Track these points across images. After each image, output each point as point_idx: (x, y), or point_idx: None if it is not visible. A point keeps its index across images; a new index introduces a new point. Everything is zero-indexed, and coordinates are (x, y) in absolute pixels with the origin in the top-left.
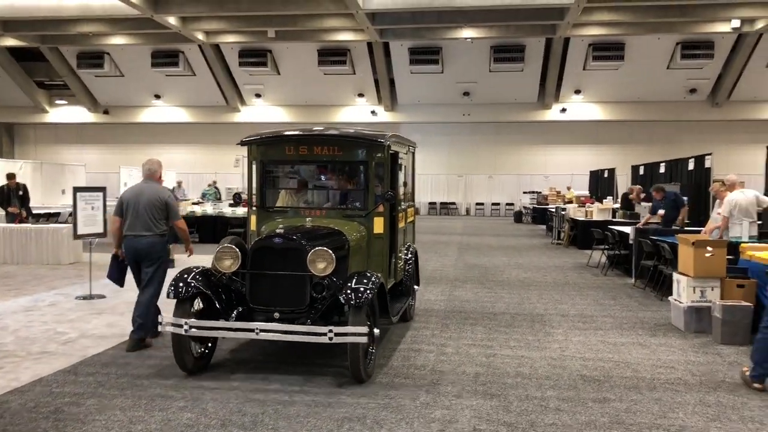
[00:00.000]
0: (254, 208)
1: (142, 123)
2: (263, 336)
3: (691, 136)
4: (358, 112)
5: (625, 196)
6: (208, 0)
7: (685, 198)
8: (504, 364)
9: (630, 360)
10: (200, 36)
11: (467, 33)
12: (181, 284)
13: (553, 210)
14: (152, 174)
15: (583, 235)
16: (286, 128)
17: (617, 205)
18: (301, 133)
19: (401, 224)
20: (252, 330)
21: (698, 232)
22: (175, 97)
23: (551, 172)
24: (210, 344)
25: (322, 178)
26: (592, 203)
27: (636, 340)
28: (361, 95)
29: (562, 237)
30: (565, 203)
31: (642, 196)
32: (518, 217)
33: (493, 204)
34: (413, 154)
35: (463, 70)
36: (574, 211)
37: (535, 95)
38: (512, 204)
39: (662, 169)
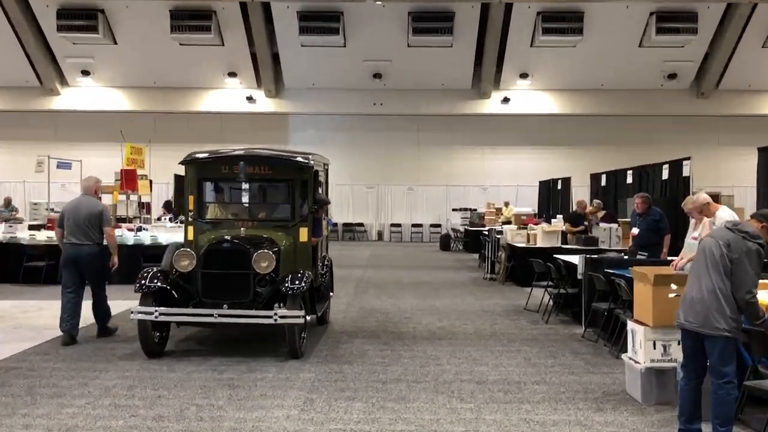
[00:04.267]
0: (191, 220)
1: None
2: (221, 320)
3: (670, 135)
4: (229, 97)
5: (574, 214)
6: None
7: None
8: None
9: None
10: None
11: None
12: (146, 281)
13: (487, 233)
14: (88, 189)
15: (524, 267)
16: (220, 147)
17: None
18: (236, 153)
19: (321, 234)
20: (212, 315)
21: (668, 263)
22: None
23: (491, 182)
24: (164, 332)
25: (251, 193)
26: (537, 224)
27: (574, 418)
28: (232, 74)
29: (497, 270)
30: (503, 224)
31: (600, 214)
32: (445, 242)
33: (413, 226)
34: (327, 171)
35: (373, 44)
36: (512, 235)
37: (469, 80)
38: (438, 225)
39: (629, 179)
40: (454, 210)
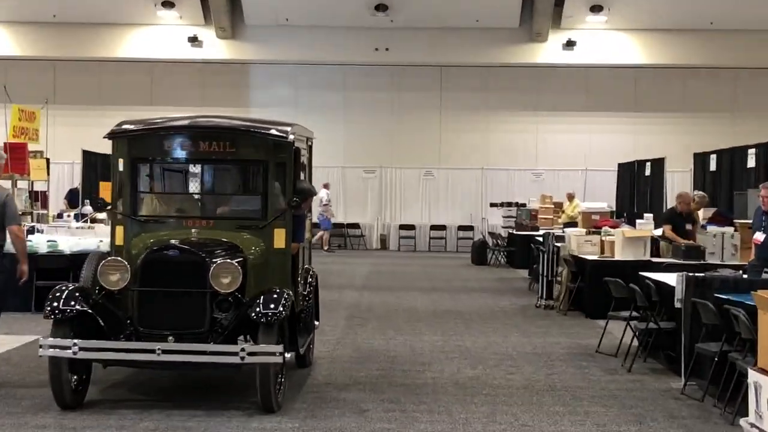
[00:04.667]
0: (120, 218)
1: None
2: (165, 358)
3: None
4: (163, 38)
5: (672, 213)
6: None
7: None
8: None
9: None
10: None
11: None
12: (60, 302)
13: (542, 240)
14: None
15: (595, 289)
16: (157, 114)
17: (660, 231)
18: (184, 123)
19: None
20: (153, 350)
21: None
22: None
23: (548, 165)
24: (84, 375)
25: (209, 180)
26: (614, 226)
27: None
28: (168, 5)
29: (556, 294)
30: (565, 226)
31: (706, 213)
32: (480, 252)
33: (433, 228)
34: (311, 148)
35: None
36: (579, 243)
37: (517, 15)
38: (470, 228)
39: (750, 161)
40: (492, 205)
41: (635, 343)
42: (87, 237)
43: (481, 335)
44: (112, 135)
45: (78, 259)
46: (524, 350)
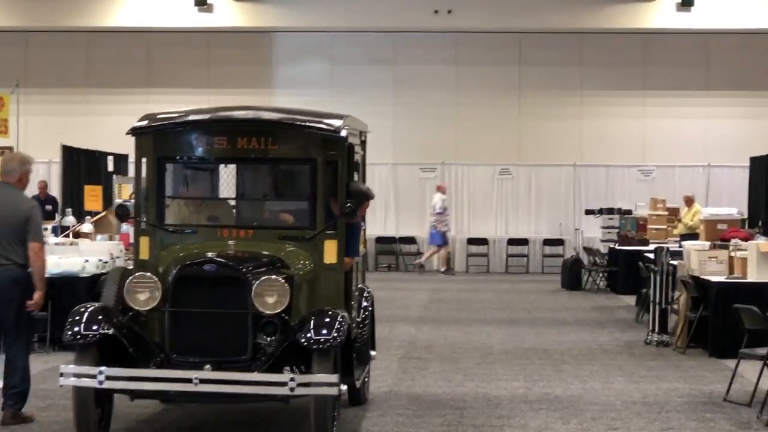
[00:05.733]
0: (144, 227)
1: None
2: (204, 388)
3: None
4: (163, 2)
5: None
6: None
7: None
8: None
9: None
10: None
11: None
12: (83, 325)
13: (653, 257)
14: (10, 175)
15: (722, 320)
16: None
17: None
18: (218, 116)
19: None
20: (189, 380)
21: None
22: None
23: (659, 161)
24: (107, 408)
25: (248, 182)
26: (747, 238)
27: None
28: None
29: (672, 326)
30: (682, 238)
31: None
32: (573, 273)
33: (511, 243)
34: (365, 144)
35: None
36: (700, 260)
37: None
38: (559, 242)
39: None
40: (588, 213)
41: None
42: (69, 256)
43: (575, 380)
44: (135, 131)
45: (59, 283)
46: (631, 399)
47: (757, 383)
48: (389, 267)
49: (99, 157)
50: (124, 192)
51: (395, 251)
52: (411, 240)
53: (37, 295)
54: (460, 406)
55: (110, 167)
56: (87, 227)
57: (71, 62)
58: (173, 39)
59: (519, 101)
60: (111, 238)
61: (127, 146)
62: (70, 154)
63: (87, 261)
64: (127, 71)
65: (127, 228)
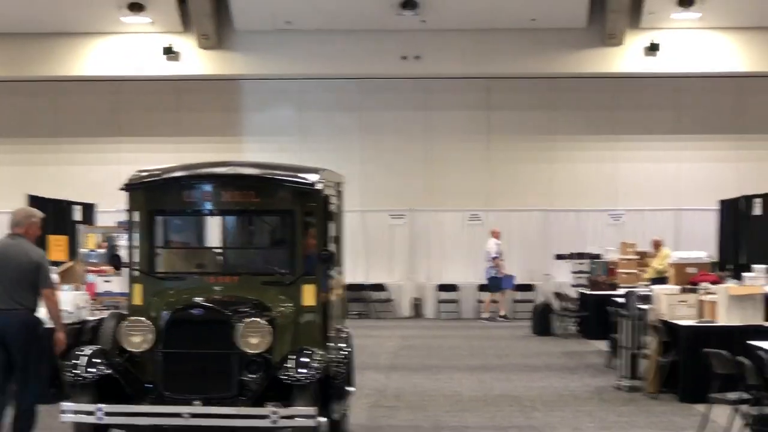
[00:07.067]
0: (137, 275)
1: None
2: (194, 422)
3: None
4: (132, 49)
5: None
6: None
7: None
8: None
9: None
10: None
11: None
12: (83, 366)
13: (623, 301)
14: (23, 227)
15: (693, 364)
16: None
17: None
18: (204, 172)
19: (334, 294)
20: (180, 415)
21: None
22: None
23: (629, 204)
24: None
25: (232, 232)
26: (717, 282)
27: None
28: (136, 7)
29: (642, 371)
30: (652, 282)
31: None
32: (543, 319)
33: (482, 288)
34: (341, 194)
35: None
36: (670, 304)
37: (584, 13)
38: (529, 287)
39: None
40: (559, 258)
41: None
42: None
43: (545, 428)
44: (128, 186)
45: None
46: None
47: (728, 429)
48: (359, 314)
49: (66, 206)
50: (90, 241)
51: (365, 298)
52: (380, 287)
53: (60, 336)
54: None
55: (77, 217)
56: (52, 277)
57: (38, 111)
58: (141, 87)
59: (488, 146)
60: (77, 288)
61: (96, 195)
62: (36, 204)
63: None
64: (95, 120)
65: (94, 278)
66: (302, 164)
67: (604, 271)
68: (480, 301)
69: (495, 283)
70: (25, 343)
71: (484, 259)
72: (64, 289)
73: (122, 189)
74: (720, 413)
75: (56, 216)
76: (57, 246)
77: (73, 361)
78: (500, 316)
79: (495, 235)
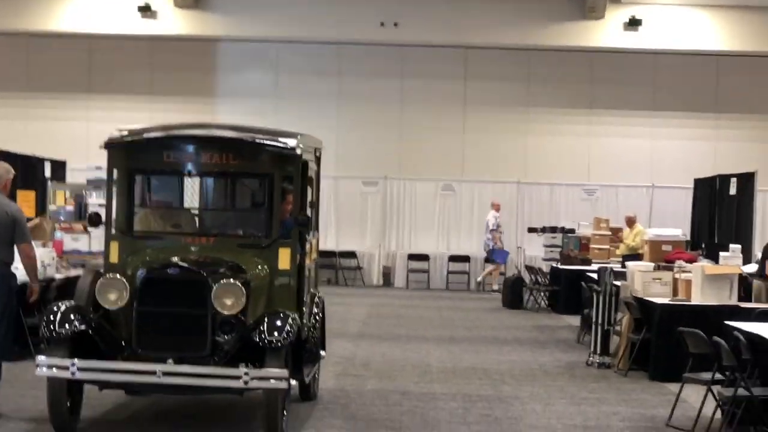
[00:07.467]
0: (114, 233)
1: None
2: (167, 380)
3: None
4: (107, 6)
5: None
6: None
7: None
8: None
9: None
10: None
11: None
12: (58, 322)
13: (596, 278)
14: None
15: (665, 343)
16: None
17: (754, 268)
18: (184, 134)
19: (309, 259)
20: (153, 372)
21: None
22: None
23: (603, 180)
24: (77, 398)
25: (210, 194)
26: (691, 260)
27: None
28: None
29: (614, 348)
30: (624, 259)
31: None
32: (515, 292)
33: (452, 259)
34: (319, 159)
35: None
36: (644, 282)
37: None
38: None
39: None
40: (531, 231)
41: (719, 414)
42: None
43: (515, 402)
44: (109, 144)
45: None
46: (572, 422)
47: (701, 409)
48: (328, 281)
49: (36, 162)
50: (59, 198)
51: (335, 265)
52: (351, 254)
53: (35, 288)
54: (396, 427)
55: (47, 173)
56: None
57: (10, 65)
58: (115, 44)
59: (464, 116)
60: (44, 245)
61: (66, 152)
62: (5, 159)
63: (17, 269)
64: (68, 76)
65: (62, 235)
66: (276, 128)
67: (577, 245)
68: (450, 272)
69: (490, 255)
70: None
71: (483, 230)
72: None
73: (103, 147)
74: (691, 393)
75: (26, 171)
76: (25, 202)
77: (49, 317)
78: (493, 289)
79: (495, 207)
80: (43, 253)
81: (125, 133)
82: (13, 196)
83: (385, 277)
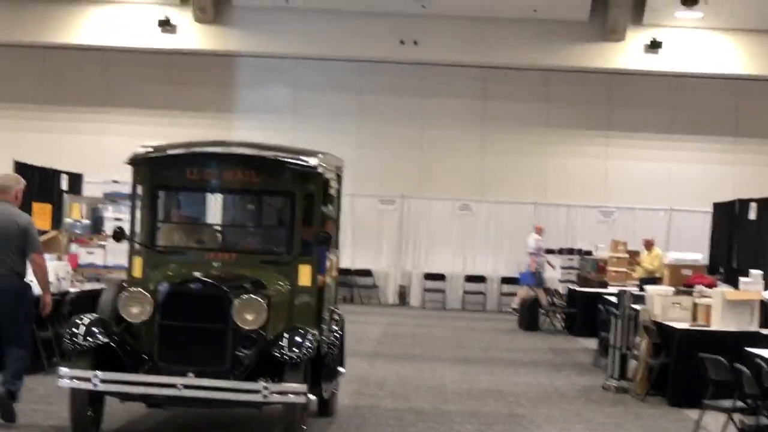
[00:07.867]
0: (138, 248)
1: None
2: (187, 393)
3: None
4: (127, 20)
5: None
6: None
7: None
8: None
9: None
10: None
11: None
12: (81, 334)
13: (614, 299)
14: (6, 193)
15: (685, 368)
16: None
17: None
18: (209, 151)
19: (329, 277)
20: (174, 386)
21: None
22: None
23: (620, 202)
24: (98, 409)
25: (233, 210)
26: (711, 285)
27: None
28: None
29: (631, 372)
30: (641, 282)
31: None
32: (531, 313)
33: (469, 280)
34: (341, 178)
35: None
36: (663, 306)
37: (587, 6)
38: (517, 280)
39: None
40: (548, 252)
41: None
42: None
43: (530, 425)
44: (133, 161)
45: None
46: None
47: None
48: (344, 299)
49: (53, 175)
50: (75, 211)
51: (350, 283)
52: (367, 272)
53: (47, 299)
54: None
55: (64, 186)
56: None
57: (28, 77)
58: (133, 58)
59: (482, 136)
60: (59, 259)
61: (82, 165)
62: (23, 171)
63: (31, 281)
64: (86, 89)
65: (76, 248)
66: (294, 144)
67: (594, 268)
68: (467, 292)
69: (529, 279)
70: (14, 308)
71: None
72: (46, 258)
73: (128, 163)
74: (712, 420)
75: (42, 184)
76: (41, 214)
77: (73, 329)
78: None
79: (537, 230)
80: (57, 267)
81: (150, 149)
82: (28, 208)
83: (401, 296)
